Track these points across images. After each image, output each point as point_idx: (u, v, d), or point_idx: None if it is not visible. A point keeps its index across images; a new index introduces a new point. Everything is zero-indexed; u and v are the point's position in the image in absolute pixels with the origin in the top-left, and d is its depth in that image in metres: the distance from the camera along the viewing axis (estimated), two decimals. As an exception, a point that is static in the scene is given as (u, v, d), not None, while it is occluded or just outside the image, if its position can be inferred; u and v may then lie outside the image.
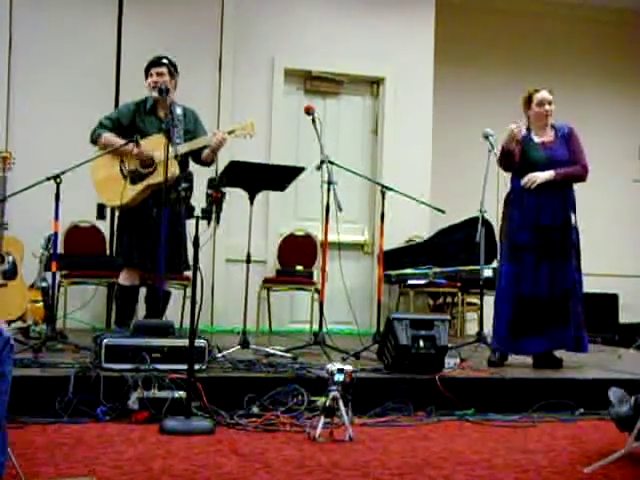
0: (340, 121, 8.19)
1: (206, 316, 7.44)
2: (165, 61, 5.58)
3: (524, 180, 5.29)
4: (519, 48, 9.17)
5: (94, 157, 5.49)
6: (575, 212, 5.39)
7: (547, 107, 5.36)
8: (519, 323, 5.25)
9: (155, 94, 5.50)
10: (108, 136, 5.52)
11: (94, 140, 5.59)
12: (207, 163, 5.72)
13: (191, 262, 4.22)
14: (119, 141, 5.46)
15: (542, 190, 5.28)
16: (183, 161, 5.48)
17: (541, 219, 5.28)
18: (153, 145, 5.41)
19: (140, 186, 5.46)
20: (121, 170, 5.51)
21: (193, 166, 5.64)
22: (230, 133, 5.58)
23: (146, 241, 5.44)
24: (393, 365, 4.76)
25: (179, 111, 5.59)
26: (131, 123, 5.59)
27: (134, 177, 5.46)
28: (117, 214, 5.88)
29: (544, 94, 5.38)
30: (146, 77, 5.61)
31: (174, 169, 5.23)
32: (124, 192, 5.36)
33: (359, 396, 4.12)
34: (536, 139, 5.39)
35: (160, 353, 4.37)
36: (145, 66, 5.62)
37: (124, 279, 5.62)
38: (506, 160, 5.33)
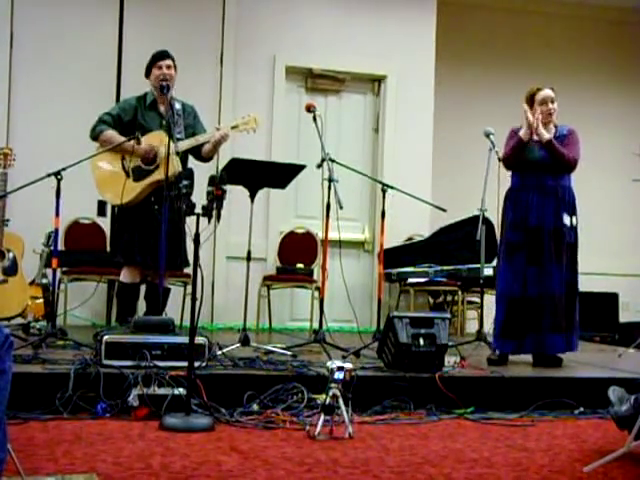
0: (341, 119, 8.18)
1: (206, 313, 7.45)
2: (172, 55, 5.59)
3: (529, 118, 5.25)
4: (520, 46, 9.16)
5: (95, 153, 5.48)
6: (574, 213, 5.38)
7: (550, 105, 5.33)
8: (511, 322, 5.26)
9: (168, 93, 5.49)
10: (109, 134, 5.51)
11: (95, 137, 5.58)
12: (207, 159, 5.71)
13: (191, 259, 4.23)
14: (120, 139, 5.45)
15: (536, 190, 5.28)
16: (183, 158, 5.48)
17: (530, 220, 5.27)
18: (154, 141, 5.41)
19: (143, 183, 5.45)
20: (123, 167, 5.50)
21: (193, 162, 5.65)
22: (233, 128, 5.58)
23: (147, 238, 5.43)
24: (393, 363, 4.76)
25: (178, 106, 5.58)
26: (132, 119, 5.57)
27: (136, 174, 5.46)
28: (117, 211, 5.86)
29: (547, 92, 5.34)
30: (149, 71, 5.59)
31: (176, 165, 5.23)
32: (127, 190, 5.36)
33: (359, 394, 4.12)
34: (535, 137, 5.37)
35: (160, 350, 4.37)
36: (150, 60, 5.59)
37: (125, 276, 5.62)
38: (518, 155, 5.30)
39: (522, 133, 5.28)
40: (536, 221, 5.27)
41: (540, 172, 5.29)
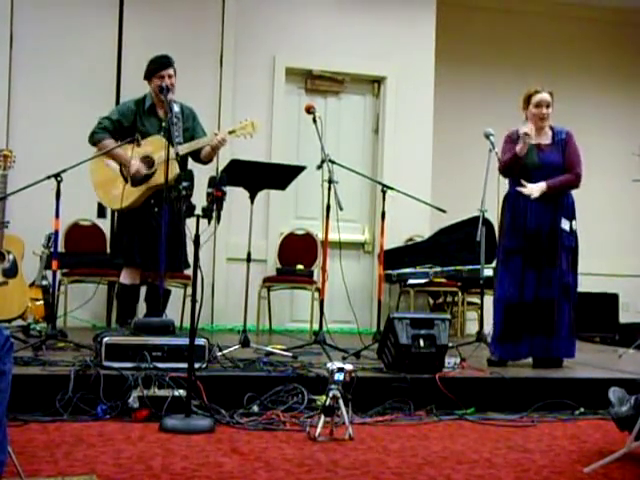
0: (341, 120, 8.18)
1: (206, 315, 7.44)
2: (173, 61, 5.57)
3: (524, 190, 5.24)
4: (520, 47, 9.16)
5: (95, 156, 5.48)
6: (573, 217, 5.37)
7: (544, 110, 5.32)
8: (508, 327, 5.26)
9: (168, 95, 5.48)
10: (107, 144, 5.51)
11: (93, 143, 5.59)
12: (206, 162, 5.73)
13: (191, 261, 4.23)
14: (118, 150, 5.44)
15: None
16: (182, 159, 5.49)
17: (528, 224, 5.26)
18: (153, 146, 5.41)
19: (141, 188, 5.46)
20: (121, 172, 5.50)
21: (193, 165, 5.65)
22: (231, 133, 5.60)
23: (147, 240, 5.44)
24: (393, 364, 4.75)
25: (177, 109, 5.59)
26: (132, 124, 5.58)
27: (135, 179, 5.46)
28: (117, 213, 5.87)
29: (543, 96, 5.33)
30: (151, 77, 5.56)
31: (175, 170, 5.23)
32: (126, 195, 5.36)
33: (359, 395, 4.12)
34: (533, 140, 5.34)
35: (160, 352, 4.37)
36: (152, 67, 5.56)
37: (125, 278, 5.63)
38: (514, 168, 5.27)
39: (518, 149, 5.23)
40: (534, 226, 5.26)
41: (538, 177, 5.28)
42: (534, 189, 5.22)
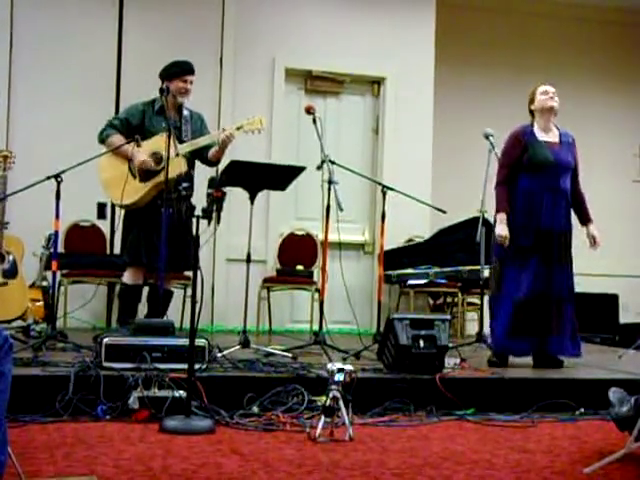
0: (341, 121, 8.18)
1: (206, 316, 7.44)
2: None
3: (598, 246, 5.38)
4: (520, 48, 9.16)
5: (95, 156, 5.47)
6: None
7: (550, 95, 5.32)
8: (517, 325, 5.24)
9: (181, 99, 5.50)
10: (115, 139, 5.52)
11: (102, 140, 5.59)
12: (214, 162, 5.73)
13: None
14: (123, 147, 5.45)
15: (550, 192, 5.25)
16: (189, 161, 5.49)
17: (542, 222, 5.25)
18: (159, 143, 5.40)
19: (150, 183, 5.45)
20: (130, 169, 5.50)
21: (197, 166, 5.66)
22: (238, 129, 5.58)
23: (153, 240, 5.42)
24: (393, 365, 4.75)
25: (185, 112, 5.62)
26: (140, 123, 5.58)
27: (143, 175, 5.45)
28: (122, 213, 5.86)
29: (548, 86, 5.35)
30: (172, 78, 5.56)
31: (183, 166, 5.24)
32: (134, 189, 5.37)
33: (359, 396, 4.11)
34: (540, 137, 5.33)
35: (160, 352, 4.37)
36: (175, 69, 5.57)
37: (128, 278, 5.62)
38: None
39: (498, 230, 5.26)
40: (548, 223, 5.24)
41: (551, 173, 5.26)
42: (598, 238, 5.39)
